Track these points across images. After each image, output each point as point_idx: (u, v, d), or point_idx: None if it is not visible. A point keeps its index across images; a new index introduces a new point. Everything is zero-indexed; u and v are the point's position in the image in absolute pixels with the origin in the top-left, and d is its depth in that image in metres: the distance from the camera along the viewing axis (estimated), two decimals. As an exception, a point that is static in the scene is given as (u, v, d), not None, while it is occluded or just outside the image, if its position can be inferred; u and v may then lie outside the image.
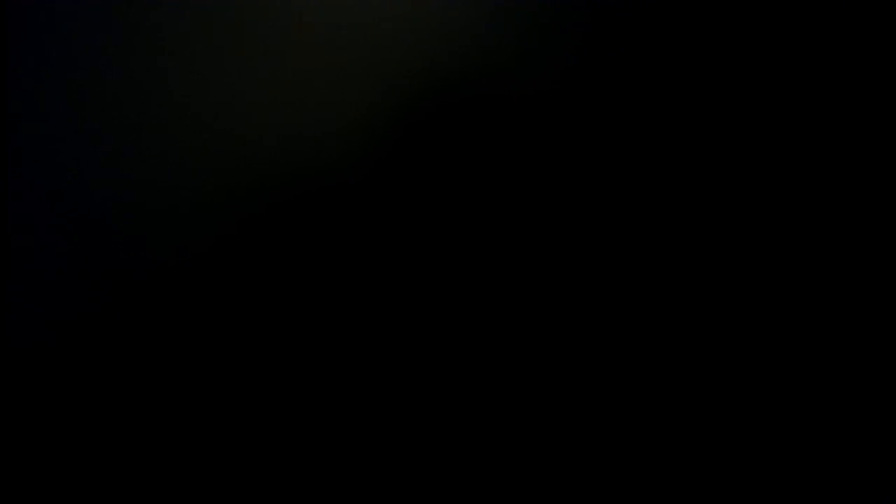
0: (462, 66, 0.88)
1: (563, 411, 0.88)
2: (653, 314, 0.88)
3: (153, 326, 0.87)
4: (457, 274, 0.88)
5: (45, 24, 0.88)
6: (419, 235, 0.88)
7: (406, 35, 0.88)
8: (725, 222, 0.88)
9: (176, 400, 0.87)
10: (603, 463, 0.87)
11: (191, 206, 0.87)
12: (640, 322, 0.88)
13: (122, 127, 0.88)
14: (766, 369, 0.87)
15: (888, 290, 0.87)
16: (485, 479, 0.88)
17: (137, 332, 0.87)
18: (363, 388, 0.88)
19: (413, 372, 0.88)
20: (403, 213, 0.88)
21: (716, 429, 0.87)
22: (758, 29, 0.88)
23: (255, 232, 0.87)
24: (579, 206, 0.88)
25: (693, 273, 0.88)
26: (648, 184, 0.88)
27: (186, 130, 0.88)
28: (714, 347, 0.88)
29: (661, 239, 0.88)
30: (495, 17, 0.88)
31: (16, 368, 0.86)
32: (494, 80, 0.88)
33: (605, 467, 0.87)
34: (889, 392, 0.87)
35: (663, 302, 0.88)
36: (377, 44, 0.88)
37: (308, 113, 0.88)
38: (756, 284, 0.88)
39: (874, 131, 0.88)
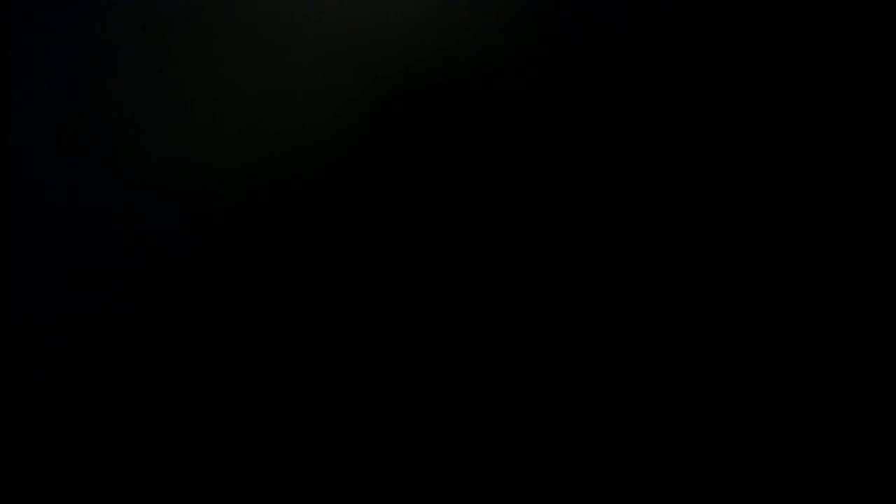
0: (452, 67, 0.88)
1: (561, 411, 0.88)
2: (646, 316, 0.88)
3: (150, 326, 0.87)
4: (453, 273, 0.88)
5: (46, 24, 0.88)
6: (412, 236, 0.88)
7: (397, 35, 0.88)
8: (719, 225, 0.88)
9: (175, 400, 0.87)
10: (603, 463, 0.87)
11: (188, 206, 0.88)
12: (635, 323, 0.88)
13: (119, 127, 0.88)
14: (766, 369, 0.87)
15: (888, 290, 0.87)
16: (484, 479, 0.88)
17: (136, 332, 0.87)
18: (359, 386, 0.88)
19: (408, 370, 0.88)
20: (396, 213, 0.88)
21: (715, 429, 0.87)
22: (754, 33, 0.88)
23: (252, 231, 0.88)
24: (573, 207, 0.88)
25: (685, 275, 0.88)
26: (642, 187, 0.88)
27: (182, 130, 0.88)
28: (713, 347, 0.88)
29: (653, 242, 0.88)
30: (487, 18, 0.88)
31: (15, 369, 0.87)
32: (486, 80, 0.88)
33: (604, 467, 0.87)
34: (889, 392, 0.87)
35: (656, 303, 0.88)
36: (368, 44, 0.88)
37: (300, 113, 0.88)
38: (754, 284, 0.88)
39: (872, 131, 0.88)
